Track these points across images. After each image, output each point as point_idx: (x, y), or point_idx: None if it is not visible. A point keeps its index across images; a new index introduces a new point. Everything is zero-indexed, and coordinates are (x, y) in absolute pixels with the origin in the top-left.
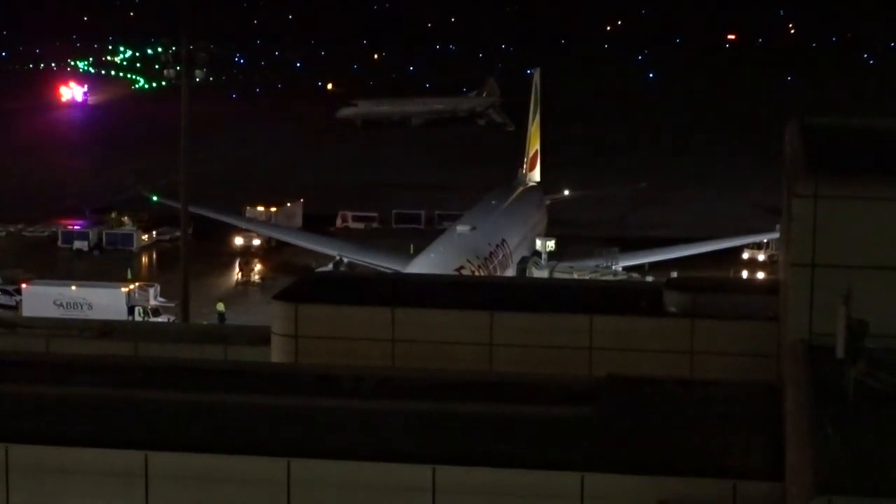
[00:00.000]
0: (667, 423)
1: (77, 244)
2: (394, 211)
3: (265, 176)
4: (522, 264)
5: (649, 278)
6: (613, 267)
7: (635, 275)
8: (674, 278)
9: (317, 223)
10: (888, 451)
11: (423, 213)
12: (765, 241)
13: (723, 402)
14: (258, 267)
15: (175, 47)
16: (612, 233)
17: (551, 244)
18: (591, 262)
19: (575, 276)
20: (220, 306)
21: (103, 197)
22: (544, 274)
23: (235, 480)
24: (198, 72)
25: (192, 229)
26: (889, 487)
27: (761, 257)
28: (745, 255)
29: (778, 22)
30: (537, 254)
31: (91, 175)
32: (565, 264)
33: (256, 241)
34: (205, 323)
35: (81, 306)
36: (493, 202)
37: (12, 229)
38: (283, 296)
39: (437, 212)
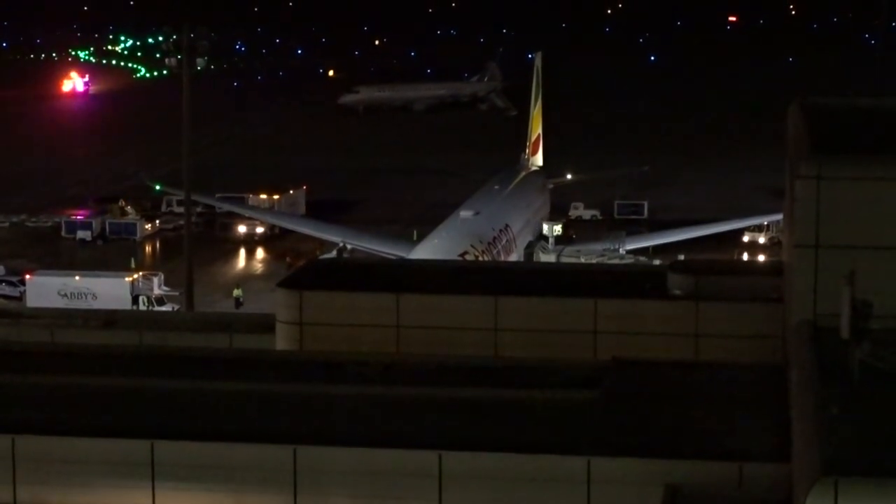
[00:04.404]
0: (672, 407)
1: (80, 234)
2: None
3: (268, 163)
4: (529, 249)
5: (656, 261)
6: (621, 250)
7: (642, 258)
8: (678, 261)
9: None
10: (893, 431)
11: None
12: (765, 223)
13: (728, 384)
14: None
15: (176, 36)
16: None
17: (558, 228)
18: (599, 246)
19: (582, 259)
20: (237, 291)
21: (106, 186)
22: (551, 258)
23: (241, 468)
24: (199, 60)
25: (195, 217)
26: (894, 468)
27: (762, 240)
28: (746, 238)
29: (779, 3)
30: (544, 238)
31: (94, 165)
32: (572, 248)
33: (260, 229)
34: (209, 311)
35: (86, 296)
36: (496, 187)
37: (16, 220)
38: (288, 283)
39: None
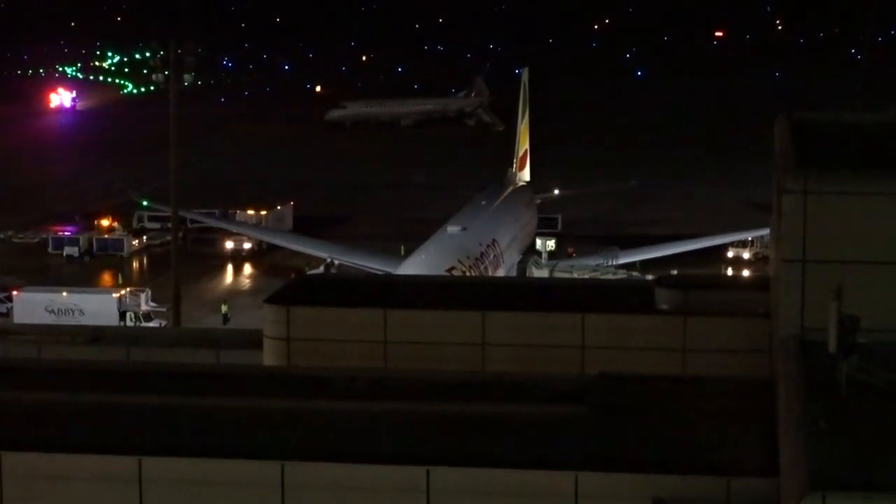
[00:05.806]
0: (660, 421)
1: (67, 250)
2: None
3: (255, 179)
4: (522, 264)
5: (649, 277)
6: (614, 265)
7: (635, 273)
8: (665, 275)
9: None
10: (881, 445)
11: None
12: (750, 238)
13: (716, 398)
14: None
15: (163, 52)
16: (605, 231)
17: (551, 244)
18: (592, 261)
19: (575, 275)
20: (225, 307)
21: (94, 202)
22: (545, 273)
23: (229, 484)
24: (186, 76)
25: (182, 233)
26: (882, 482)
27: (747, 255)
28: (731, 254)
29: (765, 17)
30: (537, 253)
31: (81, 181)
32: (566, 263)
33: (247, 245)
34: (196, 327)
35: (73, 312)
36: (484, 202)
37: (2, 236)
38: (275, 299)
39: None
